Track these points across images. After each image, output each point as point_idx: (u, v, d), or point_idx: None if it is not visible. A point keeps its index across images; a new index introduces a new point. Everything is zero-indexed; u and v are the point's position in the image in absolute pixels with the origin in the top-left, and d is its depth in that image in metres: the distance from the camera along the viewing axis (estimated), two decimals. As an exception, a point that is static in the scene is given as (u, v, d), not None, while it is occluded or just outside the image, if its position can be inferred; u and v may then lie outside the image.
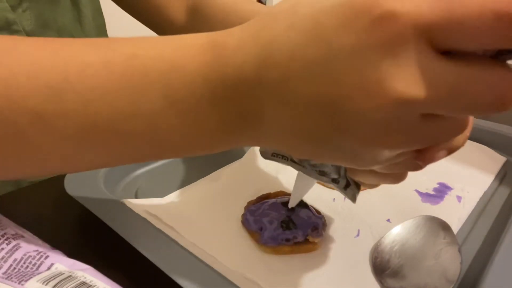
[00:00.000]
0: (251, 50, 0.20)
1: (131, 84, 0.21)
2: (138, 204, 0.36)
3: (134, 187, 0.43)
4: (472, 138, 0.51)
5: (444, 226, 0.34)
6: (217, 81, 0.21)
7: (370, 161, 0.20)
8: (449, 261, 0.31)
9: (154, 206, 0.36)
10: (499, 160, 0.49)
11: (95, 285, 0.23)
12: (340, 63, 0.17)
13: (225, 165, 0.46)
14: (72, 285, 0.23)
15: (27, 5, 0.43)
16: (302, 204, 0.36)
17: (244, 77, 0.20)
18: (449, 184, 0.44)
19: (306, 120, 0.19)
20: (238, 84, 0.20)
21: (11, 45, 0.22)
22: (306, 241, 0.33)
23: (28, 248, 0.25)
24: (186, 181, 0.43)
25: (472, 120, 0.23)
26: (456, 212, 0.39)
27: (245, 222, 0.35)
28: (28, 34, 0.44)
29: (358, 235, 0.36)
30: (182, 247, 0.31)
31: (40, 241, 0.27)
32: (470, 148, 0.50)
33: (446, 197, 0.42)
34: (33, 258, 0.25)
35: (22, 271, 0.24)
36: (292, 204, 0.34)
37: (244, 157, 0.47)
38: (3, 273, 0.24)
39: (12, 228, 0.27)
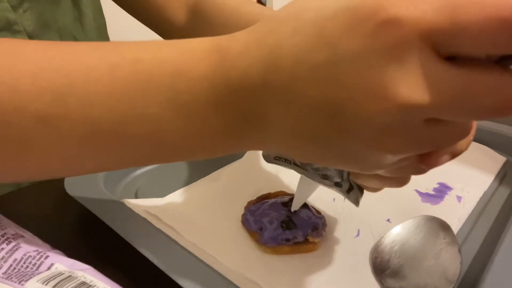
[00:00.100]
0: (256, 54, 0.20)
1: (135, 88, 0.21)
2: (138, 204, 0.36)
3: (134, 187, 0.43)
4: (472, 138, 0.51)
5: (444, 226, 0.34)
6: (222, 85, 0.21)
7: (374, 165, 0.20)
8: (449, 261, 0.31)
9: (154, 206, 0.36)
10: (499, 160, 0.49)
11: (95, 285, 0.23)
12: (345, 67, 0.17)
13: (225, 165, 0.46)
14: (72, 285, 0.23)
15: (28, 5, 0.43)
16: (302, 204, 0.36)
17: (249, 81, 0.20)
18: (449, 184, 0.44)
19: (310, 123, 0.19)
20: (243, 88, 0.20)
21: (16, 48, 0.22)
22: (306, 241, 0.33)
23: (28, 248, 0.25)
24: (186, 181, 0.43)
25: (475, 124, 0.23)
26: (456, 212, 0.39)
27: (245, 222, 0.35)
28: (29, 34, 0.44)
29: (358, 235, 0.36)
30: (182, 247, 0.31)
31: (40, 241, 0.27)
32: (470, 148, 0.50)
33: (446, 197, 0.42)
34: (33, 258, 0.25)
35: (22, 271, 0.24)
36: (294, 207, 0.34)
37: (244, 157, 0.47)
38: (3, 273, 0.24)
39: (12, 228, 0.27)
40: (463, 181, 0.44)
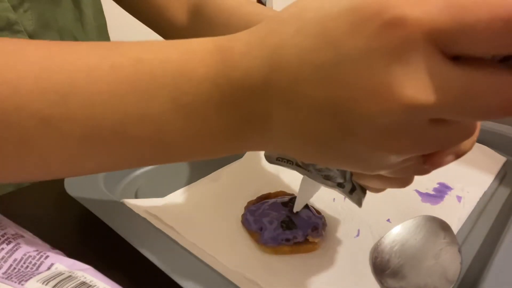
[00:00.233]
0: (259, 55, 0.20)
1: (138, 88, 0.21)
2: (138, 204, 0.36)
3: (134, 187, 0.43)
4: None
5: (444, 226, 0.34)
6: (224, 85, 0.21)
7: (377, 166, 0.20)
8: (449, 261, 0.31)
9: (154, 206, 0.36)
10: (499, 160, 0.49)
11: (95, 285, 0.23)
12: (348, 67, 0.17)
13: (225, 165, 0.46)
14: (72, 285, 0.23)
15: (28, 5, 0.43)
16: (302, 204, 0.36)
17: (251, 81, 0.20)
18: (449, 184, 0.44)
19: (313, 124, 0.19)
20: (245, 89, 0.20)
21: (18, 48, 0.22)
22: (306, 241, 0.33)
23: (28, 248, 0.25)
24: (186, 181, 0.43)
25: (479, 124, 0.23)
26: (456, 212, 0.39)
27: (245, 222, 0.35)
28: (29, 34, 0.44)
29: (358, 235, 0.36)
30: (182, 247, 0.32)
31: (40, 241, 0.27)
32: (470, 148, 0.50)
33: (446, 197, 0.42)
34: (33, 258, 0.25)
35: (22, 271, 0.24)
36: (297, 208, 0.34)
37: (244, 157, 0.47)
38: (3, 273, 0.24)
39: (12, 228, 0.27)
40: (463, 181, 0.44)
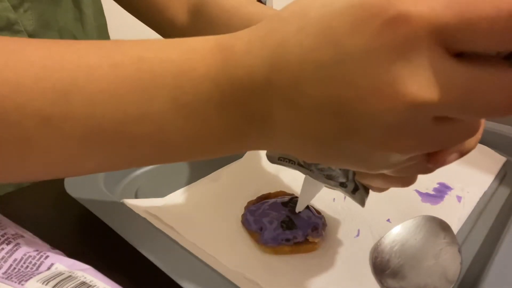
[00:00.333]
0: (260, 53, 0.20)
1: (139, 87, 0.21)
2: (138, 204, 0.36)
3: (134, 187, 0.43)
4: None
5: (444, 226, 0.34)
6: (225, 84, 0.21)
7: (380, 165, 0.20)
8: (449, 261, 0.31)
9: (154, 206, 0.36)
10: (499, 160, 0.49)
11: (95, 285, 0.23)
12: (351, 65, 0.17)
13: (225, 165, 0.46)
14: (72, 285, 0.23)
15: (28, 5, 0.43)
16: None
17: (253, 80, 0.20)
18: (449, 184, 0.44)
19: (316, 123, 0.19)
20: (246, 88, 0.20)
21: (18, 47, 0.22)
22: (306, 241, 0.33)
23: (28, 248, 0.25)
24: (186, 181, 0.43)
25: (483, 122, 0.23)
26: (456, 212, 0.39)
27: (245, 222, 0.35)
28: (30, 34, 0.44)
29: (358, 235, 0.36)
30: (182, 247, 0.32)
31: (40, 241, 0.27)
32: (470, 148, 0.50)
33: (446, 197, 0.42)
34: (33, 258, 0.25)
35: (22, 271, 0.24)
36: (299, 208, 0.34)
37: (244, 157, 0.47)
38: (3, 273, 0.24)
39: (12, 228, 0.27)
40: (463, 181, 0.44)
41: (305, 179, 0.32)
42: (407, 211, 0.38)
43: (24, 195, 0.41)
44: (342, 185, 0.28)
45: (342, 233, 0.36)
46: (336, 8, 0.18)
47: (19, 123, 0.21)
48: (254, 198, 0.39)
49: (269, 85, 0.20)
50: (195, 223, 0.35)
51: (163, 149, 0.23)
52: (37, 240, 0.27)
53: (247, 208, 0.37)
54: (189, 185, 0.42)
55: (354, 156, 0.20)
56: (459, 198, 0.41)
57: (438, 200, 0.41)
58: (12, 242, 0.25)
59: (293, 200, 0.37)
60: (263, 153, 0.48)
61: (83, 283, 0.23)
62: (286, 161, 0.30)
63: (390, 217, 0.38)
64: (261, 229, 0.34)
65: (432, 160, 0.21)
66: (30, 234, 0.28)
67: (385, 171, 0.22)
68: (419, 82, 0.16)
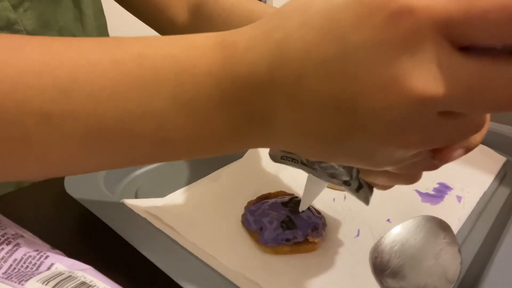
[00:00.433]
0: (263, 49, 0.19)
1: (140, 84, 0.21)
2: (138, 204, 0.36)
3: (134, 187, 0.43)
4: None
5: (444, 226, 0.34)
6: (227, 81, 0.20)
7: (385, 161, 0.20)
8: (449, 261, 0.31)
9: (154, 206, 0.36)
10: (499, 160, 0.49)
11: (95, 285, 0.23)
12: (355, 60, 0.17)
13: (225, 165, 0.46)
14: (72, 285, 0.23)
15: (28, 4, 0.43)
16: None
17: (255, 77, 0.20)
18: (449, 184, 0.44)
19: (320, 120, 0.19)
20: (248, 85, 0.20)
21: (19, 44, 0.22)
22: (306, 241, 0.33)
23: (28, 248, 0.25)
24: (186, 181, 0.43)
25: (489, 117, 0.22)
26: (456, 212, 0.39)
27: (245, 222, 0.35)
28: (29, 34, 0.44)
29: (358, 235, 0.36)
30: (182, 247, 0.32)
31: (40, 241, 0.27)
32: (470, 148, 0.50)
33: (446, 197, 0.42)
34: (33, 258, 0.25)
35: (22, 271, 0.24)
36: (302, 208, 0.34)
37: (244, 157, 0.47)
38: (3, 273, 0.24)
39: (12, 228, 0.27)
40: (463, 181, 0.44)
41: (308, 178, 0.32)
42: (407, 211, 0.38)
43: (24, 195, 0.41)
44: (346, 184, 0.28)
45: (342, 233, 0.36)
46: (339, 2, 0.17)
47: (19, 121, 0.21)
48: (254, 198, 0.39)
49: (271, 82, 0.19)
50: (195, 223, 0.35)
51: (164, 147, 0.23)
52: (37, 240, 0.27)
53: (247, 208, 0.37)
54: (189, 185, 0.42)
55: (359, 153, 0.20)
56: (459, 198, 0.41)
57: (438, 200, 0.41)
58: (12, 242, 0.25)
59: (293, 200, 0.37)
60: (263, 153, 0.48)
61: (83, 283, 0.23)
62: (289, 160, 0.29)
63: (390, 217, 0.38)
64: (261, 229, 0.34)
65: (437, 156, 0.20)
66: (30, 234, 0.28)
67: (390, 168, 0.22)
68: (425, 77, 0.16)
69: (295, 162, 0.29)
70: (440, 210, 0.39)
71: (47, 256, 0.25)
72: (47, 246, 0.27)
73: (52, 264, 0.25)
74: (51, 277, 0.23)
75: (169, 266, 0.28)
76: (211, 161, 0.45)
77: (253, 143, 0.23)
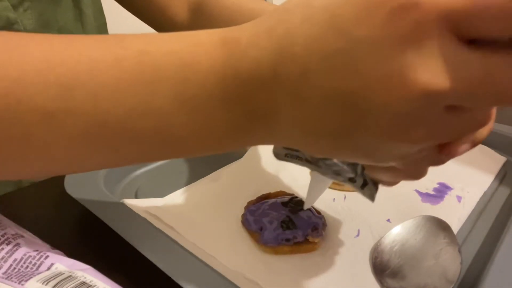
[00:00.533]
0: (266, 45, 0.19)
1: (142, 81, 0.21)
2: (138, 204, 0.36)
3: (134, 187, 0.43)
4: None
5: (444, 226, 0.34)
6: (230, 78, 0.20)
7: (390, 157, 0.20)
8: (449, 261, 0.31)
9: (154, 206, 0.36)
10: (499, 160, 0.49)
11: (95, 285, 0.23)
12: (360, 54, 0.17)
13: (225, 165, 0.46)
14: (72, 285, 0.23)
15: (28, 4, 0.43)
16: (302, 204, 0.36)
17: (258, 73, 0.19)
18: (449, 184, 0.44)
19: (324, 116, 0.19)
20: (251, 81, 0.20)
21: (20, 42, 0.22)
22: (306, 241, 0.33)
23: (28, 248, 0.25)
24: (186, 181, 0.43)
25: (495, 111, 0.22)
26: (456, 212, 0.39)
27: (245, 222, 0.35)
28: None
29: (358, 235, 0.36)
30: (182, 247, 0.31)
31: (40, 241, 0.27)
32: (470, 148, 0.50)
33: (446, 197, 0.42)
34: (33, 258, 0.25)
35: (22, 271, 0.24)
36: (307, 205, 0.34)
37: (244, 157, 0.47)
38: (3, 273, 0.24)
39: (12, 228, 0.27)
40: (463, 181, 0.44)
41: (312, 175, 0.32)
42: (407, 211, 0.38)
43: (24, 195, 0.41)
44: (351, 181, 0.28)
45: (342, 233, 0.36)
46: None
47: (21, 118, 0.21)
48: (254, 198, 0.39)
49: (274, 78, 0.19)
50: (195, 223, 0.35)
51: (166, 144, 0.23)
52: (37, 240, 0.27)
53: (247, 208, 0.37)
54: (189, 185, 0.42)
55: (364, 148, 0.19)
56: (459, 198, 0.42)
57: (438, 200, 0.41)
58: (12, 242, 0.25)
59: (293, 200, 0.37)
60: (263, 153, 0.48)
61: (83, 283, 0.23)
62: (293, 158, 0.29)
63: (390, 217, 0.38)
64: (261, 229, 0.34)
65: (444, 151, 0.20)
66: (30, 234, 0.28)
67: (395, 164, 0.21)
68: (431, 70, 0.16)
69: (299, 159, 0.29)
70: (440, 210, 0.39)
71: (47, 256, 0.25)
72: (47, 246, 0.27)
73: (52, 264, 0.25)
74: (51, 277, 0.23)
75: (169, 266, 0.28)
76: (211, 161, 0.45)
77: (256, 140, 0.23)
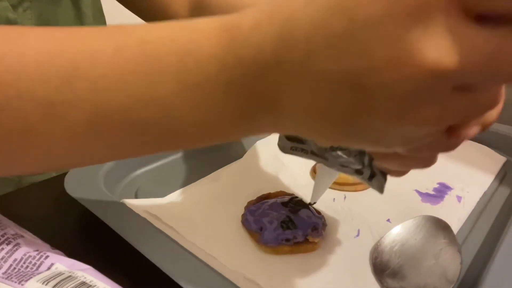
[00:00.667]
0: (268, 29, 0.19)
1: (143, 70, 0.20)
2: (138, 204, 0.36)
3: (134, 187, 0.43)
4: (472, 138, 0.51)
5: (444, 226, 0.34)
6: (233, 64, 0.20)
7: (399, 141, 0.19)
8: (449, 261, 0.31)
9: (154, 206, 0.36)
10: (499, 160, 0.49)
11: (95, 285, 0.23)
12: (364, 35, 0.16)
13: (225, 165, 0.46)
14: (72, 285, 0.23)
15: (28, 4, 0.43)
16: (302, 204, 0.36)
17: (261, 58, 0.19)
18: (449, 184, 0.44)
19: (330, 100, 0.18)
20: (254, 67, 0.19)
21: (21, 34, 0.21)
22: (306, 241, 0.33)
23: (28, 248, 0.25)
24: (186, 181, 0.43)
25: (504, 93, 0.21)
26: (456, 212, 0.39)
27: (245, 222, 0.35)
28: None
29: (358, 235, 0.36)
30: (182, 247, 0.32)
31: (40, 241, 0.27)
32: (470, 148, 0.50)
33: (446, 197, 0.42)
34: (33, 258, 0.25)
35: (22, 271, 0.24)
36: (314, 199, 0.33)
37: (244, 157, 0.47)
38: (3, 273, 0.24)
39: (12, 228, 0.27)
40: (463, 181, 0.44)
41: (318, 168, 0.31)
42: (407, 211, 0.38)
43: (24, 195, 0.41)
44: (358, 173, 0.27)
45: (342, 233, 0.36)
46: None
47: (22, 111, 0.20)
48: (254, 198, 0.39)
49: (277, 63, 0.19)
50: (195, 223, 0.35)
51: (171, 135, 0.22)
52: (37, 240, 0.27)
53: (247, 208, 0.37)
54: (189, 185, 0.42)
55: (372, 132, 0.19)
56: (459, 198, 0.42)
57: (438, 200, 0.41)
58: (12, 242, 0.25)
59: (293, 200, 0.37)
60: (263, 153, 0.48)
61: (83, 283, 0.23)
62: (299, 151, 0.28)
63: (390, 217, 0.38)
64: (261, 229, 0.34)
65: (453, 134, 0.20)
66: (30, 234, 0.28)
67: (403, 149, 0.21)
68: (438, 49, 0.15)
69: (305, 152, 0.28)
70: (440, 210, 0.39)
71: (47, 256, 0.25)
72: (47, 246, 0.27)
73: (52, 264, 0.25)
74: (51, 277, 0.23)
75: (169, 266, 0.28)
76: (211, 161, 0.45)
77: (261, 128, 0.22)
